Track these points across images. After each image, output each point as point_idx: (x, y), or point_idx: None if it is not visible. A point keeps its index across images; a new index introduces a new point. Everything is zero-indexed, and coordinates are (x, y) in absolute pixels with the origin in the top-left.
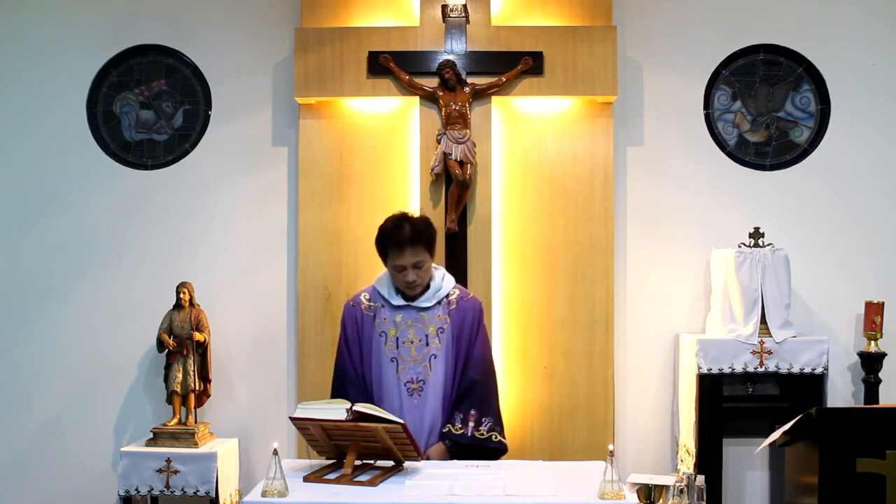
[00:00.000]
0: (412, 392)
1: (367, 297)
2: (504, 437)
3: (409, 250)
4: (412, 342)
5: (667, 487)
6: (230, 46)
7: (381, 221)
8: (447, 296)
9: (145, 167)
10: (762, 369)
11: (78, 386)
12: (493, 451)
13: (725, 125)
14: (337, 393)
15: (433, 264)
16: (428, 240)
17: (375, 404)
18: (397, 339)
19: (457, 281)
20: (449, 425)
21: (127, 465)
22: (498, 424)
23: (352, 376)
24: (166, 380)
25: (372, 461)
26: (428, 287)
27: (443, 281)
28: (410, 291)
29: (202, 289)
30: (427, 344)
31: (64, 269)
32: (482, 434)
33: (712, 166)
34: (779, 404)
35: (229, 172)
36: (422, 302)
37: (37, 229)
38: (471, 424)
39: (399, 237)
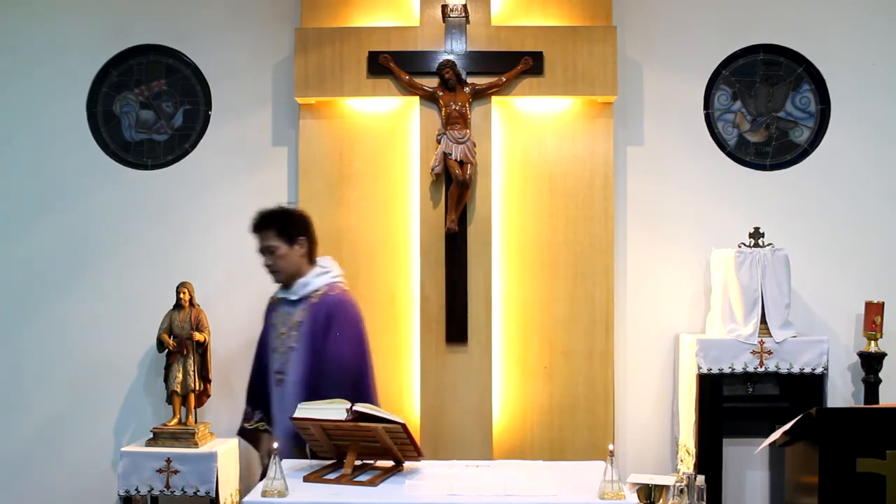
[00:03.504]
0: (278, 382)
1: (277, 289)
2: None
3: (258, 235)
4: (281, 334)
5: (667, 487)
6: (230, 46)
7: (381, 221)
8: (316, 290)
9: (145, 167)
10: (762, 369)
11: (78, 386)
12: None
13: (725, 125)
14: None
15: (322, 262)
16: (279, 227)
17: (267, 392)
18: (276, 329)
19: (457, 281)
20: None
21: (127, 465)
22: None
23: (255, 367)
24: (166, 380)
25: (372, 461)
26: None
27: (314, 277)
28: (272, 277)
29: (202, 289)
30: (289, 336)
31: (64, 270)
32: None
33: (712, 166)
34: (779, 404)
35: (229, 172)
36: (289, 294)
37: (37, 229)
38: None
39: (251, 223)
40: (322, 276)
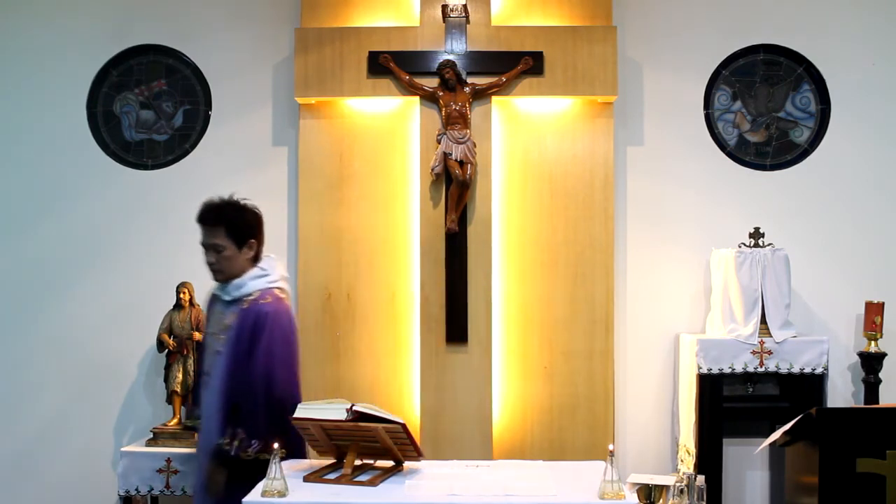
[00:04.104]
0: (205, 383)
1: (216, 284)
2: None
3: (205, 229)
4: (212, 334)
5: (667, 487)
6: (230, 46)
7: (381, 221)
8: (248, 295)
9: (145, 167)
10: (762, 369)
11: (78, 385)
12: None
13: (725, 125)
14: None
15: (264, 262)
16: (230, 226)
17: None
18: (210, 328)
19: (457, 281)
20: (222, 438)
21: (127, 465)
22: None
23: (198, 363)
24: (166, 380)
25: (372, 461)
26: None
27: (251, 280)
28: (212, 275)
29: (202, 289)
30: (218, 339)
31: (64, 270)
32: (248, 455)
33: (712, 166)
34: (779, 404)
35: (229, 172)
36: (224, 294)
37: (37, 229)
38: (236, 443)
39: (199, 214)
40: (258, 279)
